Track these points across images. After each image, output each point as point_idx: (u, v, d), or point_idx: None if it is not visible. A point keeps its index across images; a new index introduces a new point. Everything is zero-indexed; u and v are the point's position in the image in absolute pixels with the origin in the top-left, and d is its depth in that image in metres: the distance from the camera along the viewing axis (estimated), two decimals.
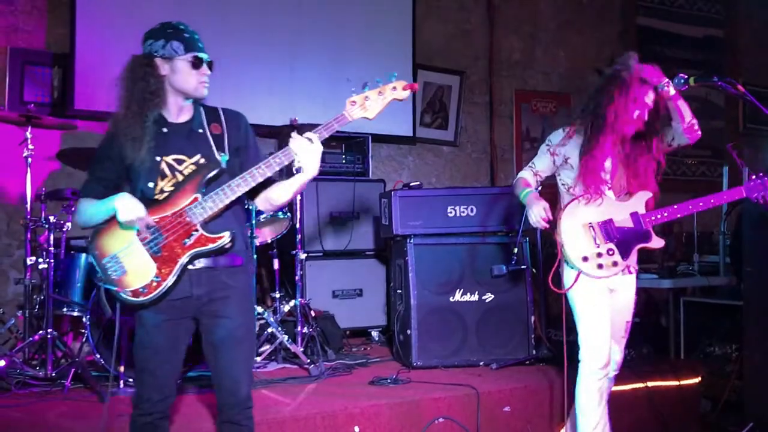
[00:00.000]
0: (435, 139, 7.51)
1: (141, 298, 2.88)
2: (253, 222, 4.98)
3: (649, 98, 3.66)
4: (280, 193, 3.13)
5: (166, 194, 2.96)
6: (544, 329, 5.24)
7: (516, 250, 4.94)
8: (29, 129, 4.60)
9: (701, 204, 3.73)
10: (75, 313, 4.78)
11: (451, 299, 5.06)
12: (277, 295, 5.33)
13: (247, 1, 6.49)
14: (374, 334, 6.15)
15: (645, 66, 3.64)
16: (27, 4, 5.83)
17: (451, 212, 5.21)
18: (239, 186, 2.94)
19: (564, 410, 4.14)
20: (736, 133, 8.72)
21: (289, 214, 5.23)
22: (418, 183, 5.57)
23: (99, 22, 5.89)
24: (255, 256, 5.18)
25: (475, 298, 5.07)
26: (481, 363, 5.00)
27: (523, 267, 5.04)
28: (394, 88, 3.02)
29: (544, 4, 8.15)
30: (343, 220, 6.15)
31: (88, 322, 4.52)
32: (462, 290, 5.07)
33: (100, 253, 2.94)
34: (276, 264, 5.32)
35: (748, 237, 4.83)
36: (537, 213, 3.71)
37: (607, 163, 3.78)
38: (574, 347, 3.79)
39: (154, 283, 2.88)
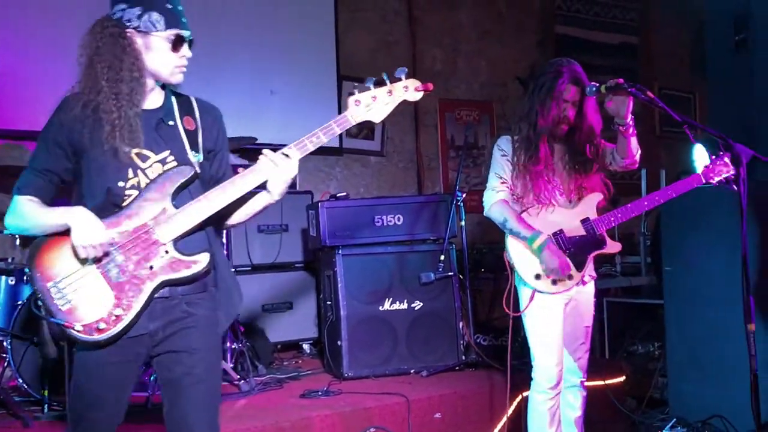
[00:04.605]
0: (362, 150, 7.53)
1: (97, 336, 2.32)
2: None
3: (572, 94, 3.59)
4: (238, 216, 2.68)
5: (126, 200, 2.41)
6: (473, 335, 5.30)
7: (443, 257, 5.01)
8: None
9: (657, 198, 3.56)
10: None
11: (380, 308, 5.06)
12: None
13: None
14: (305, 346, 6.11)
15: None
16: None
17: (378, 222, 5.23)
18: (218, 197, 2.46)
19: (493, 414, 4.18)
20: (653, 135, 8.97)
21: None
22: (345, 194, 5.59)
23: (16, 41, 5.73)
24: None
25: (405, 306, 5.09)
26: (412, 371, 5.02)
27: (450, 274, 5.09)
28: (406, 87, 2.60)
29: (464, 16, 8.26)
30: (272, 232, 6.12)
31: (9, 347, 4.39)
32: (391, 299, 5.08)
33: (42, 276, 2.34)
34: None
35: (667, 237, 4.99)
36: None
37: (555, 166, 3.63)
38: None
39: (113, 317, 2.32)
